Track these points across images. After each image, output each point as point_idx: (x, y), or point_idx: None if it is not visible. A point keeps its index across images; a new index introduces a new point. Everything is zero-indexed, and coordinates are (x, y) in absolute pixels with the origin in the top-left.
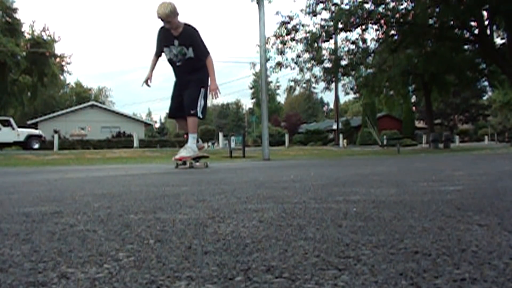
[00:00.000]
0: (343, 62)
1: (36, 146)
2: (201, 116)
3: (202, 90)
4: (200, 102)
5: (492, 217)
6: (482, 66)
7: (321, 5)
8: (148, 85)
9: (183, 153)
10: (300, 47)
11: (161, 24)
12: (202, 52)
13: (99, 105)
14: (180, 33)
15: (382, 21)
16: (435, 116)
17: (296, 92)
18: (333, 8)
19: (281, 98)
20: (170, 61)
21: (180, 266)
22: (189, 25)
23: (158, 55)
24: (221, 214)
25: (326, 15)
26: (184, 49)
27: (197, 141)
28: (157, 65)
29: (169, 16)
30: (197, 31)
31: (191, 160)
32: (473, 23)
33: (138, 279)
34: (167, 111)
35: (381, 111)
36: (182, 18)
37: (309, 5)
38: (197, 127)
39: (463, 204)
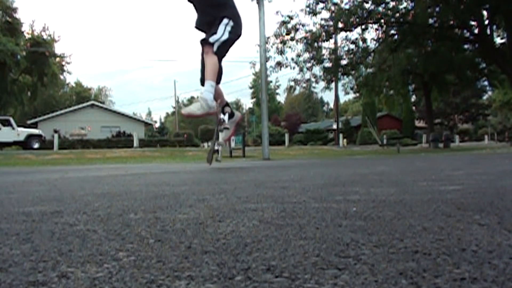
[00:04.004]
0: (343, 62)
1: (36, 145)
2: (215, 49)
3: (226, 19)
4: (220, 31)
5: (492, 217)
6: (482, 65)
7: (321, 5)
8: None
9: (192, 106)
10: (300, 46)
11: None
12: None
13: (99, 104)
14: None
15: (382, 21)
16: (435, 116)
17: (296, 92)
18: (333, 7)
19: (281, 98)
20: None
21: (180, 266)
22: None
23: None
24: (221, 213)
25: (326, 14)
26: None
27: (227, 106)
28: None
29: None
30: None
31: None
32: (473, 23)
33: (138, 279)
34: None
35: (381, 111)
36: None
37: (309, 4)
38: (215, 71)
39: (463, 203)
